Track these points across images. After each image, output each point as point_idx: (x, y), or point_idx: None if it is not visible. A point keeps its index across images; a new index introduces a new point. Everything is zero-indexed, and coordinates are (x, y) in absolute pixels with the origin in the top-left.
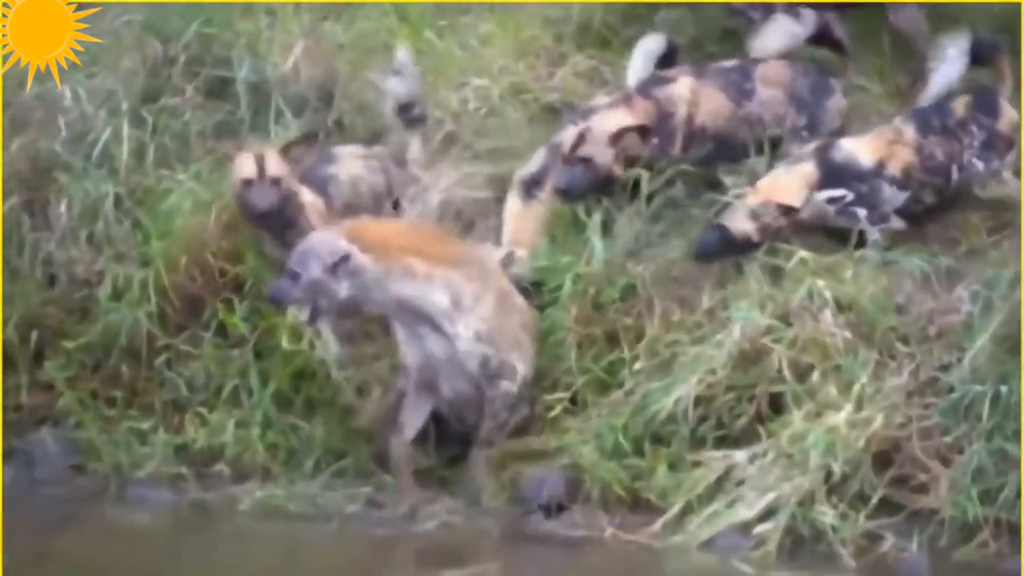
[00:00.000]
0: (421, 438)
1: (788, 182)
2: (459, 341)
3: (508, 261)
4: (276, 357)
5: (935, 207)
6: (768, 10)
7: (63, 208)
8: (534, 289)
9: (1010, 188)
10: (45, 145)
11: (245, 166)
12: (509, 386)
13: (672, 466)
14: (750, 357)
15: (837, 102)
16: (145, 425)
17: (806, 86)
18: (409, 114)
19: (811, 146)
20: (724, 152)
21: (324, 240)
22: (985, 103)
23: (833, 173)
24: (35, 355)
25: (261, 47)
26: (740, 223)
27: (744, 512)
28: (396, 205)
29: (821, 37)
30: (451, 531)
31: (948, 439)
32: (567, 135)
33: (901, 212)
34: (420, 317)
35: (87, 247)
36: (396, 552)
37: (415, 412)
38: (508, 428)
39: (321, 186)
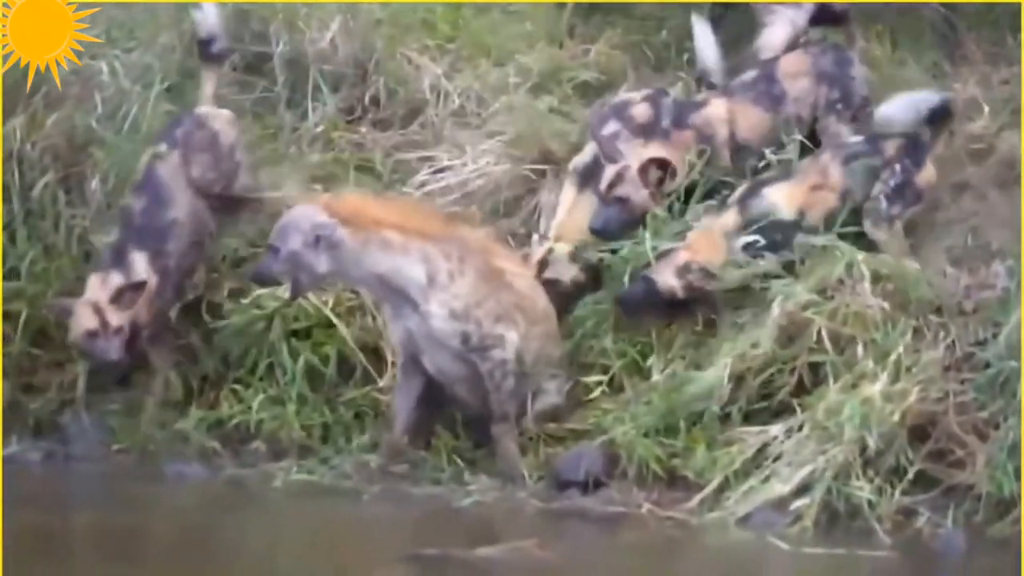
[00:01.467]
0: (450, 419)
1: (712, 238)
2: (433, 319)
3: (546, 261)
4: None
5: None
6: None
7: (96, 184)
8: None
9: (889, 244)
10: (81, 120)
11: (85, 318)
12: (501, 354)
13: (709, 443)
14: (790, 330)
15: (860, 70)
16: (180, 402)
17: (829, 62)
18: (208, 49)
19: (736, 194)
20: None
21: (303, 213)
22: (915, 152)
23: (753, 222)
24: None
25: (299, 22)
26: (667, 278)
27: (780, 487)
28: None
29: (821, 16)
30: (487, 508)
31: (984, 414)
32: (606, 172)
33: None
34: (398, 293)
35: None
36: (431, 529)
37: (405, 395)
38: (519, 397)
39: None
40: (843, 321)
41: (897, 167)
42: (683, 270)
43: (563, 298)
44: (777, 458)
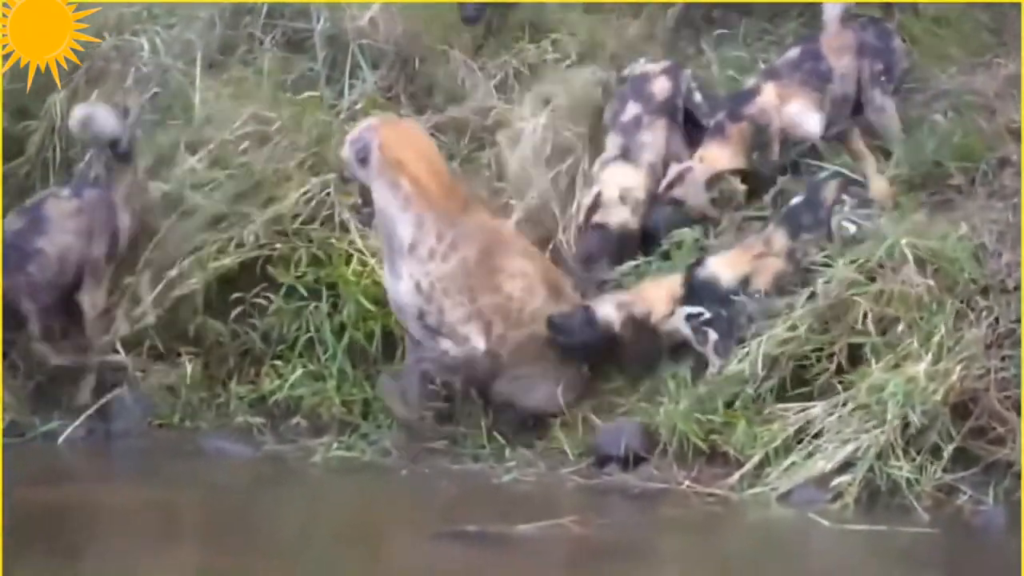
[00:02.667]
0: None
1: (657, 293)
2: (399, 283)
3: (596, 205)
4: (350, 309)
5: None
6: None
7: (139, 162)
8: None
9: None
10: (121, 97)
11: None
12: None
13: (749, 420)
14: (832, 313)
15: (900, 43)
16: (221, 378)
17: (872, 35)
18: (115, 151)
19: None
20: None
21: (360, 126)
22: (854, 181)
23: (697, 290)
24: (108, 309)
25: None
26: (607, 311)
27: (822, 464)
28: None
29: None
30: (526, 485)
31: None
32: (669, 171)
33: None
34: (386, 241)
35: (160, 199)
36: (471, 506)
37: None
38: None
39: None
40: (887, 302)
41: (845, 198)
42: (624, 306)
43: (613, 244)
44: (819, 435)
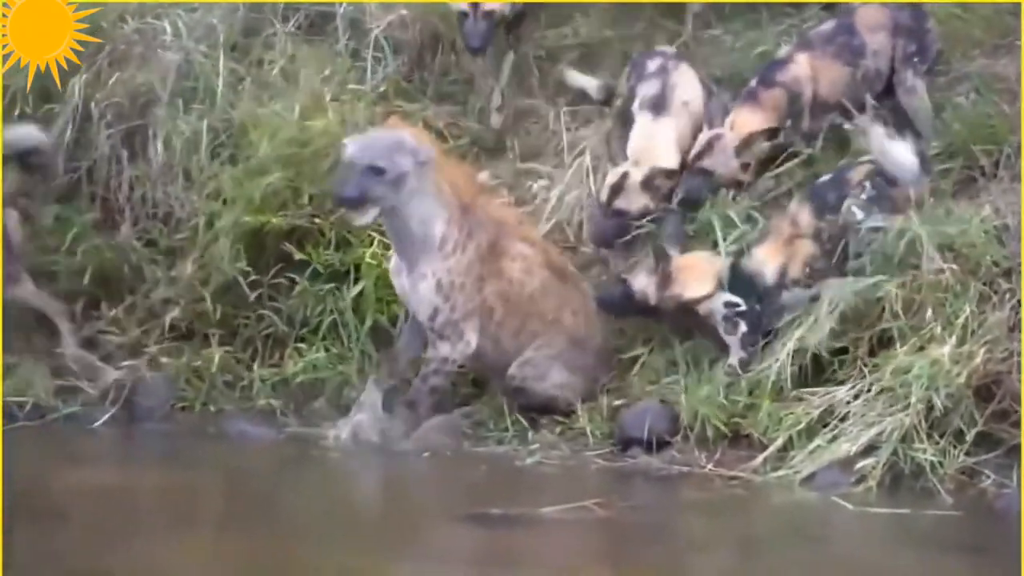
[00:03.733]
0: None
1: (702, 269)
2: (422, 281)
3: (620, 187)
4: (372, 292)
5: None
6: None
7: (160, 145)
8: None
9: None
10: (144, 79)
11: None
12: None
13: (772, 402)
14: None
15: (934, 25)
16: (244, 361)
17: (906, 15)
18: (27, 161)
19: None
20: (845, 117)
21: (399, 137)
22: (886, 177)
23: (740, 280)
24: (131, 292)
25: None
26: (643, 283)
27: (846, 447)
28: None
29: None
30: (550, 467)
31: None
32: (699, 140)
33: None
34: (410, 240)
35: (183, 183)
36: (494, 488)
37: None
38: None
39: None
40: (914, 289)
41: (867, 184)
42: (661, 282)
43: (630, 227)
44: (844, 419)
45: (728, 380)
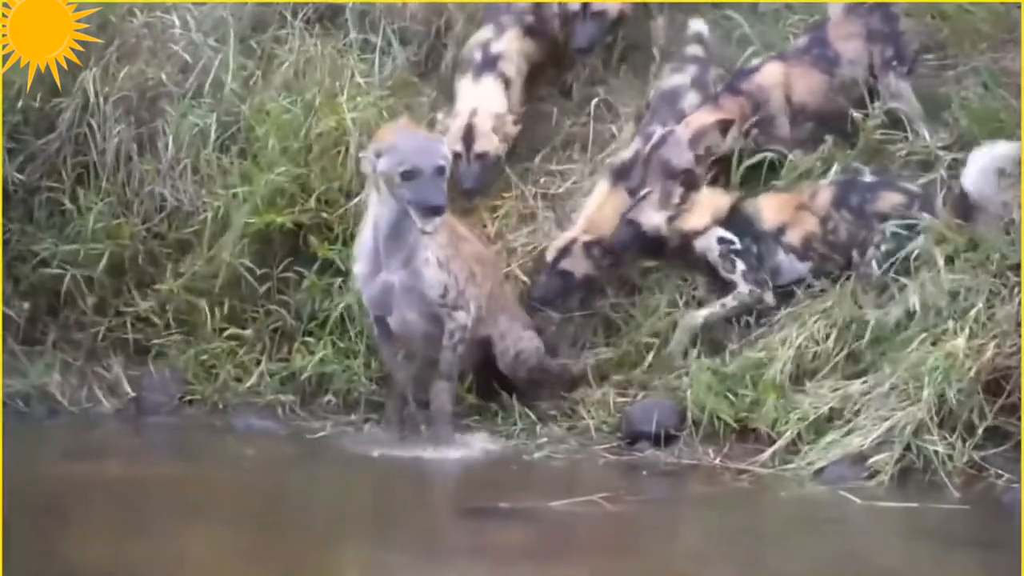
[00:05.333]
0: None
1: (704, 203)
2: (427, 267)
3: (566, 250)
4: None
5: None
6: None
7: (170, 139)
8: None
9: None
10: (153, 73)
11: None
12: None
13: (780, 397)
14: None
15: (906, 23)
16: (252, 355)
17: (877, 20)
18: None
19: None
20: (825, 126)
21: (428, 136)
22: (912, 215)
23: (737, 220)
24: (140, 286)
25: None
26: (651, 216)
27: (858, 441)
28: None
29: None
30: (558, 461)
31: None
32: (655, 135)
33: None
34: (405, 237)
35: (192, 178)
36: (503, 482)
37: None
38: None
39: None
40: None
41: (887, 231)
42: (664, 201)
43: (573, 289)
44: (856, 413)
45: (735, 371)
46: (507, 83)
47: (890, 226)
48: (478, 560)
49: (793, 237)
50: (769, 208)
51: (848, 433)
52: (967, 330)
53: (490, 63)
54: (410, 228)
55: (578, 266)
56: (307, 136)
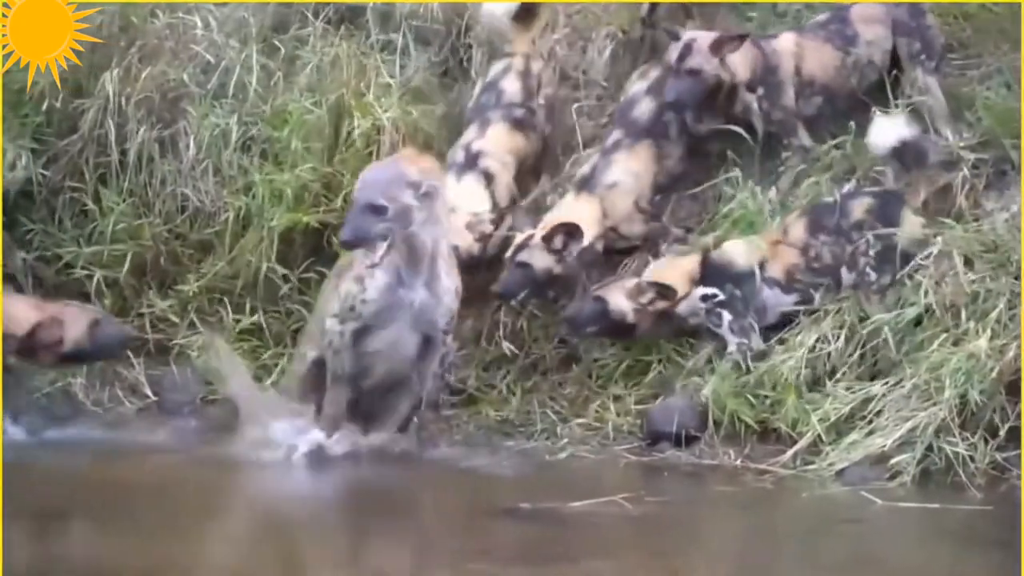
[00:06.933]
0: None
1: (673, 275)
2: (447, 295)
3: (523, 245)
4: None
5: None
6: None
7: (191, 140)
8: None
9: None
10: (175, 74)
11: None
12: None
13: (800, 398)
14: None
15: (932, 19)
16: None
17: (904, 12)
18: None
19: (701, 243)
20: (834, 104)
21: (397, 170)
22: (887, 212)
23: (712, 272)
24: (161, 287)
25: None
26: (619, 302)
27: (880, 441)
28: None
29: None
30: (580, 462)
31: None
32: (672, 49)
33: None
34: (422, 259)
35: (214, 178)
36: (524, 483)
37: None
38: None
39: None
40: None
41: (870, 237)
42: (635, 292)
43: (534, 282)
44: (877, 414)
45: (757, 373)
46: (490, 179)
47: (868, 232)
48: (499, 561)
49: (775, 271)
50: (738, 252)
51: (870, 434)
52: (988, 331)
53: (471, 161)
54: (424, 253)
55: (536, 259)
56: (335, 136)
